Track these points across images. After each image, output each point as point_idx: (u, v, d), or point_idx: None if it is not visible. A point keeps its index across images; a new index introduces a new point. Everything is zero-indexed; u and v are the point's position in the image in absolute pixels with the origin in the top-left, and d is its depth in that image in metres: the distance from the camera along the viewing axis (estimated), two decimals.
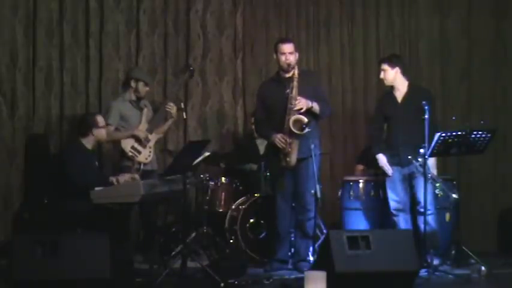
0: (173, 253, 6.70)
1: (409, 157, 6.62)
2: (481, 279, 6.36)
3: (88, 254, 5.38)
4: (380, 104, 7.04)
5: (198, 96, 8.05)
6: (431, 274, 6.30)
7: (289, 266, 6.63)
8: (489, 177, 8.15)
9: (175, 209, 7.50)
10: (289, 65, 6.56)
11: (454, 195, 6.91)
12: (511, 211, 8.02)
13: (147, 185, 6.13)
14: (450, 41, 8.25)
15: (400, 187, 6.81)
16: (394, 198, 6.81)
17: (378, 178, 7.10)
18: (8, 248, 5.80)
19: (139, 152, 7.02)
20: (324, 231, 7.12)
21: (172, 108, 7.11)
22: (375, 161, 6.91)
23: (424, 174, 6.49)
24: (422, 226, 6.57)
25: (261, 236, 7.12)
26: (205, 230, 7.11)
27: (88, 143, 6.49)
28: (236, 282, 5.99)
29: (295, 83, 6.49)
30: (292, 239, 6.74)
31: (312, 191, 6.46)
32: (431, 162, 6.95)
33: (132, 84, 7.13)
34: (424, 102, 6.47)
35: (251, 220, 7.12)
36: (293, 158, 6.52)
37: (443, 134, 6.42)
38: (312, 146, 6.39)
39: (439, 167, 7.36)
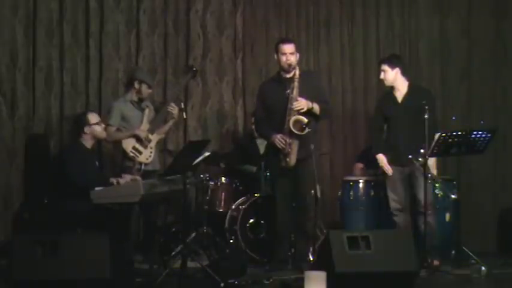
0: (173, 253, 6.70)
1: (410, 157, 6.62)
2: (481, 279, 6.36)
3: (88, 254, 5.38)
4: (380, 104, 7.04)
5: (198, 96, 8.05)
6: (431, 274, 6.31)
7: (289, 266, 6.63)
8: (489, 177, 8.14)
9: (175, 209, 7.49)
10: (290, 65, 6.56)
11: (454, 196, 6.92)
12: (511, 211, 8.02)
13: (147, 185, 6.14)
14: (450, 41, 8.25)
15: (400, 187, 6.81)
16: (394, 198, 6.81)
17: (378, 178, 7.10)
18: (8, 248, 5.79)
19: (140, 153, 7.03)
20: (324, 231, 7.12)
21: (174, 109, 7.12)
22: (375, 161, 6.91)
23: (424, 174, 6.49)
24: (422, 226, 6.58)
25: (261, 236, 7.13)
26: (205, 230, 7.10)
27: (86, 142, 6.49)
28: (236, 282, 5.98)
29: (295, 84, 6.49)
30: (292, 239, 6.74)
31: (312, 191, 6.46)
32: (432, 162, 6.95)
33: (136, 85, 7.14)
34: (424, 102, 6.48)
35: (251, 220, 7.12)
36: (293, 158, 6.52)
37: (444, 134, 6.43)
38: (312, 147, 6.40)
39: (439, 167, 7.37)
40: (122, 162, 7.08)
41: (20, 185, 7.34)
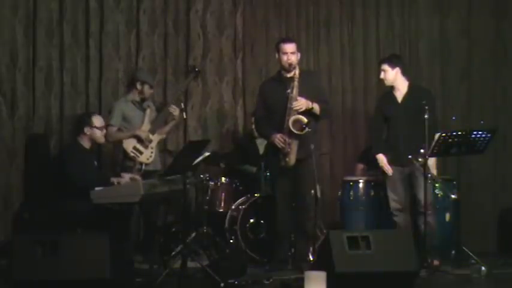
0: (173, 253, 6.70)
1: (410, 157, 6.62)
2: (481, 279, 6.35)
3: (88, 254, 5.38)
4: (380, 104, 7.04)
5: (198, 96, 8.05)
6: (431, 274, 6.30)
7: (289, 266, 6.63)
8: (489, 177, 8.14)
9: (175, 209, 7.49)
10: (290, 64, 6.56)
11: (454, 196, 6.92)
12: (511, 211, 8.02)
13: (147, 185, 6.13)
14: (450, 41, 8.25)
15: (400, 187, 6.81)
16: (394, 198, 6.81)
17: (378, 178, 7.10)
18: (8, 248, 5.80)
19: (141, 153, 7.04)
20: (324, 231, 7.11)
21: (175, 110, 7.13)
22: (375, 161, 6.91)
23: (424, 174, 6.49)
24: (422, 226, 6.57)
25: (261, 236, 7.12)
26: (205, 230, 7.10)
27: (84, 142, 6.48)
28: (236, 282, 5.98)
29: (295, 83, 6.49)
30: (292, 239, 6.74)
31: (312, 191, 6.45)
32: (432, 162, 6.95)
33: (138, 86, 7.17)
34: (424, 102, 6.48)
35: (251, 220, 7.12)
36: (292, 158, 6.52)
37: (444, 134, 6.43)
38: (312, 146, 6.40)
39: (439, 167, 7.36)
40: (123, 162, 7.09)
41: (20, 185, 7.34)
